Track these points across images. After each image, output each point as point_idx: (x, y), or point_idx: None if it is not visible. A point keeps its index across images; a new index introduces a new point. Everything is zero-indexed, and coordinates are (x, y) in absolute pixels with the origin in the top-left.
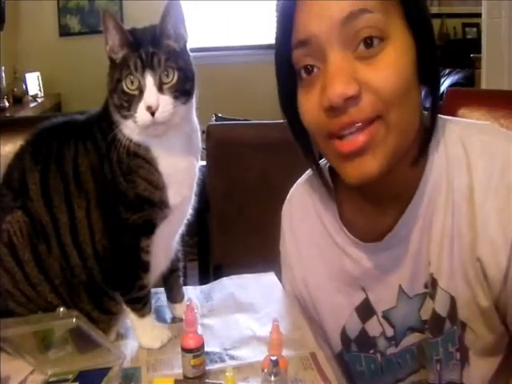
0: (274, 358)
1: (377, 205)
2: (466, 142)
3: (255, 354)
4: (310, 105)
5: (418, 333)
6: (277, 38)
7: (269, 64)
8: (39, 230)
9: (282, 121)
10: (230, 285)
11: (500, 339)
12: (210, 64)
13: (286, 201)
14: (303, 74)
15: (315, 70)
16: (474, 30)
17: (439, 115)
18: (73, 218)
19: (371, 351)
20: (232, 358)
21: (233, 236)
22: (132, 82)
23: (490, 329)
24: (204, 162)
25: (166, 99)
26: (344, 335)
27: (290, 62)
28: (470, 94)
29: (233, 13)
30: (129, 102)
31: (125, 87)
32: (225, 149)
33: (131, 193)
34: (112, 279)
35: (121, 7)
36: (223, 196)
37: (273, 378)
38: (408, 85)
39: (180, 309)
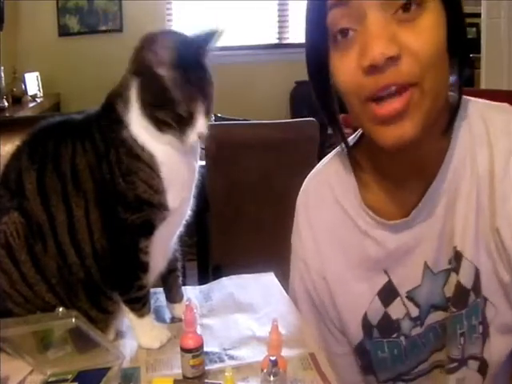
0: (273, 358)
1: (400, 182)
2: (487, 120)
3: (254, 354)
4: (346, 66)
5: (441, 311)
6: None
7: (269, 64)
8: (35, 230)
9: (281, 121)
10: (230, 285)
11: None
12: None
13: (300, 192)
14: (339, 38)
15: (351, 32)
16: (474, 29)
17: None
18: (71, 217)
19: (394, 335)
20: (231, 358)
21: (232, 236)
22: (187, 106)
23: (511, 304)
24: (203, 162)
25: (208, 123)
26: (365, 322)
27: (323, 25)
28: (469, 94)
29: (233, 13)
30: (178, 124)
31: (178, 109)
32: (224, 149)
33: (130, 194)
34: (111, 279)
35: (120, 7)
36: (222, 196)
37: (272, 378)
38: (442, 52)
39: (179, 309)
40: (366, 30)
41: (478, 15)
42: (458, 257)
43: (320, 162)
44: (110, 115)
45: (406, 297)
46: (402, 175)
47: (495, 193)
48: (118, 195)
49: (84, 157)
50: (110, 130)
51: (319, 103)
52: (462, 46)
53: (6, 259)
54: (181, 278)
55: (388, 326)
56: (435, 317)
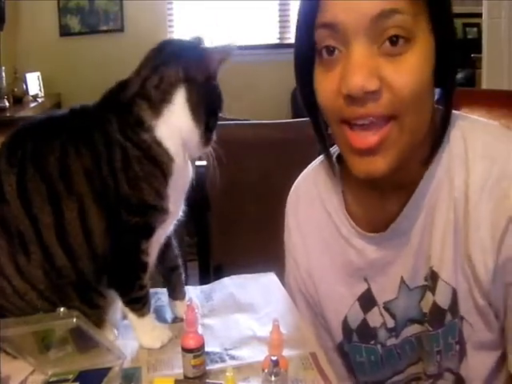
0: (274, 358)
1: (381, 196)
2: (469, 142)
3: (255, 354)
4: (327, 86)
5: (418, 324)
6: (300, 14)
7: (270, 64)
8: (16, 237)
9: (281, 121)
10: (230, 285)
11: (497, 335)
12: None
13: (291, 192)
14: (324, 54)
15: (336, 51)
16: (475, 30)
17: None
18: (60, 219)
19: (372, 342)
20: (232, 358)
21: (233, 236)
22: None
23: (487, 324)
24: (204, 162)
25: None
26: (345, 325)
27: (310, 37)
28: (470, 94)
29: (234, 13)
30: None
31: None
32: (225, 148)
33: (134, 198)
34: (112, 280)
35: (121, 7)
36: (223, 196)
37: (273, 378)
38: (426, 89)
39: (181, 307)
40: (349, 56)
41: (479, 15)
42: (434, 277)
43: (311, 164)
44: (125, 117)
45: (383, 307)
46: (382, 191)
47: (469, 218)
48: (120, 199)
49: (78, 159)
50: (121, 131)
51: (308, 114)
52: (450, 76)
53: None
54: (183, 275)
55: (366, 332)
56: (412, 330)
